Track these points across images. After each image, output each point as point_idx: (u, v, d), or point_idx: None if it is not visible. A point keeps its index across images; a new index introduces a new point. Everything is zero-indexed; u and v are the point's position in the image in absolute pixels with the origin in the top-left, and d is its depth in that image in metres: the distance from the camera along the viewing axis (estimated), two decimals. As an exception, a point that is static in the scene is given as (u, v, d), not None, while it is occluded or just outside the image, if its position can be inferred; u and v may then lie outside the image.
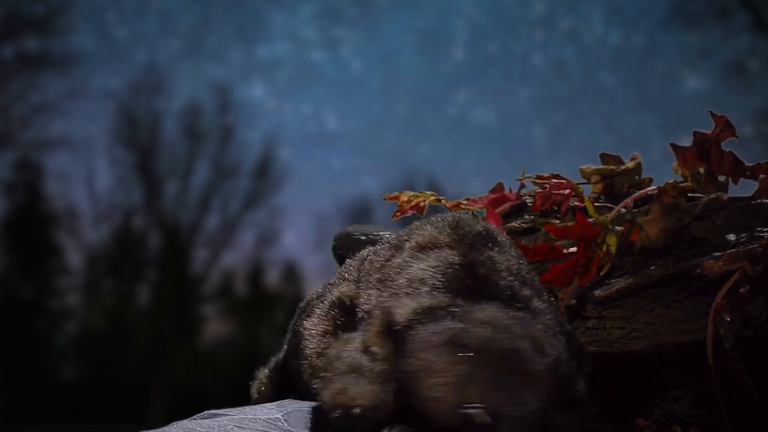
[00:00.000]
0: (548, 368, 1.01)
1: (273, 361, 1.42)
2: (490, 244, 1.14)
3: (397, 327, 1.05)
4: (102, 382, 13.05)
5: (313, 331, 1.20)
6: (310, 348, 1.19)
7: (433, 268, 1.11)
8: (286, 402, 1.18)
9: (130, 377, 13.19)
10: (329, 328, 1.19)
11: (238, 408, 1.13)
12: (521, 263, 1.16)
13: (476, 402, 0.95)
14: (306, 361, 1.20)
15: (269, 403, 1.17)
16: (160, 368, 13.11)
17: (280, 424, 1.08)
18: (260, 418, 1.07)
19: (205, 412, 1.11)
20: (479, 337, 0.99)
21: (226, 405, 1.14)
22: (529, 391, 0.98)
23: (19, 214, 13.55)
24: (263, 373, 1.43)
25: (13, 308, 13.20)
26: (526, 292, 1.10)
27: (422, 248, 1.15)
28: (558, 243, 1.42)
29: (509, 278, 1.10)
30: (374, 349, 1.05)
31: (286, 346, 1.36)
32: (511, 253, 1.16)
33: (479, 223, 1.18)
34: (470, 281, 1.09)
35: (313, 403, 1.09)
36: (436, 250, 1.14)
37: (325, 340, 1.18)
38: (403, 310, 1.06)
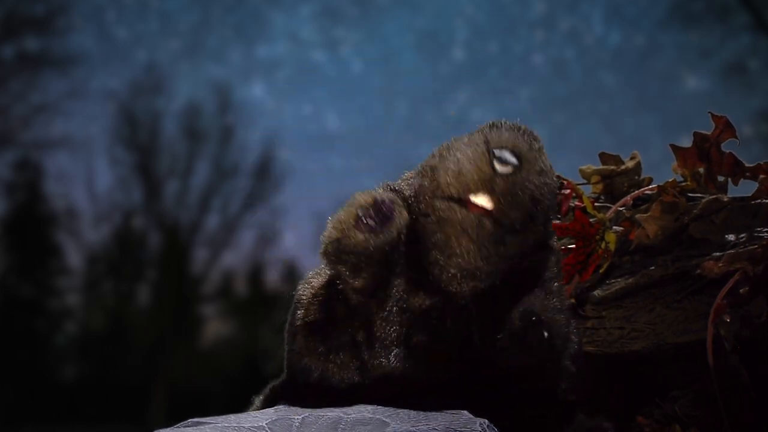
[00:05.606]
0: None
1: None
2: None
3: None
4: (102, 382, 13.06)
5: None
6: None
7: None
8: (273, 409, 1.15)
9: (130, 377, 13.19)
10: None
11: (223, 416, 1.10)
12: None
13: None
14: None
15: (257, 411, 1.14)
16: (160, 368, 13.10)
17: (264, 432, 1.05)
18: (243, 427, 1.04)
19: (189, 420, 1.08)
20: None
21: (226, 405, 1.12)
22: None
23: (19, 214, 13.55)
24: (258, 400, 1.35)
25: (13, 308, 13.21)
26: None
27: None
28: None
29: None
30: None
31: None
32: None
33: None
34: None
35: (303, 411, 1.06)
36: None
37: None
38: None
